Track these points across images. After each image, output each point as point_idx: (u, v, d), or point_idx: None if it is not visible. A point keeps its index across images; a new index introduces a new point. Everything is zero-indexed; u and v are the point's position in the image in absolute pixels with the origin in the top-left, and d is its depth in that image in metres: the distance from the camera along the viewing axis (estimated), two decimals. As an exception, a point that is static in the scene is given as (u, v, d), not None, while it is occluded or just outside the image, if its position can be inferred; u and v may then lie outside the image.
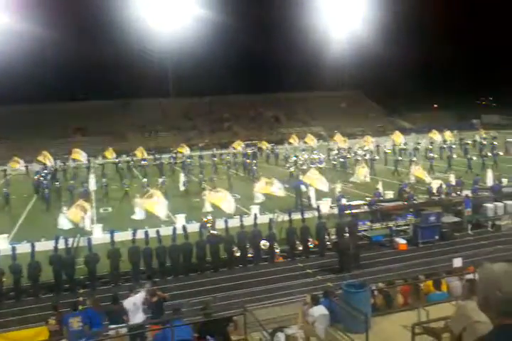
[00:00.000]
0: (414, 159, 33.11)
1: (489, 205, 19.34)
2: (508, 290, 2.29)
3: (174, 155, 41.71)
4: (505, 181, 24.17)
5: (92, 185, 30.48)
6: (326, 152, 39.74)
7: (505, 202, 20.12)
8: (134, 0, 62.93)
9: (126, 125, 63.91)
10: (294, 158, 35.34)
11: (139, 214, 21.57)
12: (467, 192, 21.03)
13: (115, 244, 15.07)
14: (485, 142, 39.22)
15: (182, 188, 28.96)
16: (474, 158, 31.86)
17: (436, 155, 33.72)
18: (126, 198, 25.92)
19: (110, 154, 43.62)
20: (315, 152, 38.41)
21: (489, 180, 25.46)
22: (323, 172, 32.63)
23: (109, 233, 15.74)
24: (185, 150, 43.45)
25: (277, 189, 21.78)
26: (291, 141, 48.82)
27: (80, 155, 41.45)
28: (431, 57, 73.73)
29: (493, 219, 18.84)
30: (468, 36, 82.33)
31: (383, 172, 31.83)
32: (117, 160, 40.33)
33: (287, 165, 34.01)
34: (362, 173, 27.80)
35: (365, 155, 35.28)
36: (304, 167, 33.20)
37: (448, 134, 43.04)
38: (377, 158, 34.96)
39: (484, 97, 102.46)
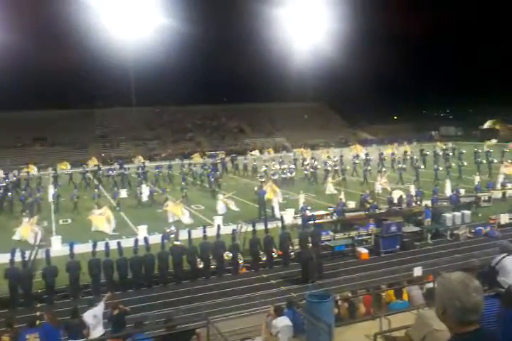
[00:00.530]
0: (384, 169, 33.83)
1: (448, 215, 19.88)
2: (466, 300, 2.35)
3: (137, 165, 41.13)
4: (462, 191, 24.86)
5: (51, 195, 29.73)
6: (294, 162, 39.80)
7: (462, 211, 20.74)
8: (96, 8, 62.23)
9: (87, 135, 62.82)
10: (265, 168, 35.43)
11: (96, 226, 21.39)
12: (427, 202, 21.54)
13: (74, 256, 14.69)
14: (450, 153, 40.34)
15: (145, 199, 28.61)
16: (441, 168, 32.59)
17: (404, 166, 34.33)
18: (86, 210, 25.40)
19: (65, 166, 43.20)
20: (279, 162, 38.62)
21: (447, 190, 26.15)
22: (294, 183, 33.09)
23: (69, 245, 15.37)
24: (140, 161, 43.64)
25: (187, 217, 22.36)
26: (253, 152, 49.17)
27: (66, 166, 41.85)
28: (391, 70, 75.54)
29: (451, 229, 19.31)
30: (428, 50, 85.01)
31: (348, 183, 32.25)
32: (80, 170, 39.53)
33: (258, 175, 34.05)
34: (331, 185, 28.12)
35: (335, 165, 35.60)
36: (275, 177, 33.47)
37: (406, 147, 44.24)
38: (348, 168, 35.40)
39: (442, 109, 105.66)
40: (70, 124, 61.94)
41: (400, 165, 33.56)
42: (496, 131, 64.35)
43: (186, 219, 22.44)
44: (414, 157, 38.87)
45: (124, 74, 71.70)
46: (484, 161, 34.39)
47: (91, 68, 66.34)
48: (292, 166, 36.37)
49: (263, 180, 31.59)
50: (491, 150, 39.14)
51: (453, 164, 33.54)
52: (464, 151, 39.30)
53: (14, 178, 36.83)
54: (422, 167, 33.78)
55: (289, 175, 33.70)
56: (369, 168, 33.90)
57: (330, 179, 29.72)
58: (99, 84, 69.19)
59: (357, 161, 36.97)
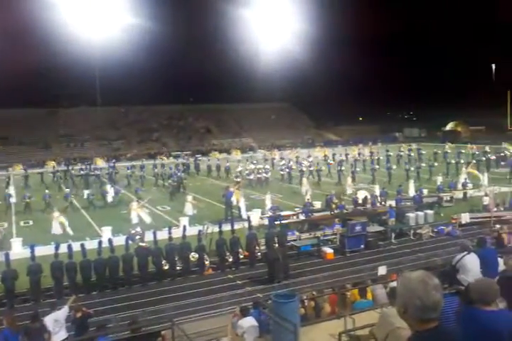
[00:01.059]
0: (358, 169, 34.23)
1: (411, 215, 20.26)
2: (426, 298, 2.39)
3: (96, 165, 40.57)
4: (425, 192, 25.39)
5: (13, 197, 28.94)
6: (267, 163, 39.82)
7: (425, 211, 21.19)
8: (60, 7, 60.93)
9: (50, 134, 61.51)
10: (240, 169, 35.36)
11: (55, 229, 20.84)
12: (391, 203, 21.92)
13: (36, 258, 14.32)
14: (412, 154, 41.13)
15: (110, 200, 28.19)
16: (412, 168, 33.05)
17: (377, 166, 34.73)
18: (48, 211, 24.87)
19: (18, 167, 42.59)
20: (253, 162, 38.65)
21: (411, 190, 26.66)
22: (269, 183, 33.11)
23: (29, 247, 14.97)
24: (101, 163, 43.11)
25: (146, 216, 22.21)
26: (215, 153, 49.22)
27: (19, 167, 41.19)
28: (357, 71, 76.60)
29: (414, 228, 19.68)
30: (394, 52, 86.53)
31: (322, 184, 32.49)
32: (42, 170, 38.78)
33: (234, 175, 33.96)
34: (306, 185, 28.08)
35: (310, 166, 35.71)
36: (251, 177, 33.45)
37: (372, 147, 44.98)
38: (323, 168, 35.54)
39: (406, 111, 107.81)
40: (34, 124, 60.54)
41: (374, 166, 34.01)
42: (457, 132, 66.06)
43: (147, 219, 22.15)
44: (381, 157, 39.49)
45: (90, 73, 70.38)
46: (453, 161, 35.13)
47: (55, 67, 64.99)
48: (267, 166, 36.39)
49: (239, 180, 31.70)
50: (449, 152, 40.23)
51: (423, 164, 34.15)
52: (423, 152, 40.34)
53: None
54: (395, 167, 34.24)
55: (264, 175, 33.73)
56: (343, 168, 34.23)
57: (305, 180, 29.46)
58: (63, 83, 67.77)
59: (331, 162, 37.25)
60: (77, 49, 63.65)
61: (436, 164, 34.80)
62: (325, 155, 40.81)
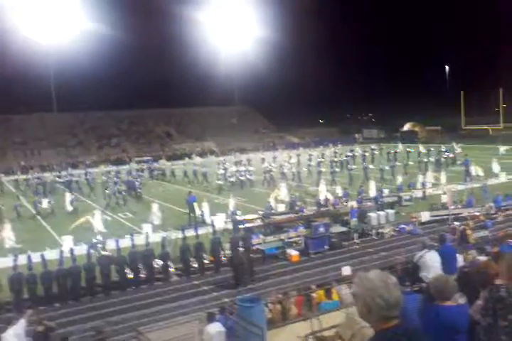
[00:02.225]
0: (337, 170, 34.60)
1: (373, 214, 20.58)
2: (388, 297, 2.42)
3: (58, 173, 39.52)
4: (386, 191, 25.86)
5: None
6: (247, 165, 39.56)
7: (386, 211, 21.58)
8: (14, 11, 59.35)
9: (5, 142, 59.71)
10: (223, 171, 35.13)
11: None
12: (353, 203, 22.23)
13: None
14: (367, 154, 41.82)
15: (69, 208, 27.55)
16: (387, 167, 33.64)
17: (355, 166, 35.05)
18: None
19: None
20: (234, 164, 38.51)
21: (372, 190, 27.08)
22: (254, 185, 33.05)
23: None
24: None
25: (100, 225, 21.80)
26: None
27: None
28: (316, 75, 77.65)
29: (376, 228, 20.01)
30: (351, 55, 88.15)
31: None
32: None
33: (217, 177, 33.75)
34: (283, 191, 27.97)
35: (291, 168, 35.65)
36: (233, 179, 33.34)
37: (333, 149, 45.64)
38: (304, 169, 35.52)
39: (364, 113, 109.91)
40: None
41: (333, 169, 34.36)
42: (415, 132, 67.71)
43: (100, 227, 21.65)
44: (344, 158, 39.99)
45: (45, 79, 68.87)
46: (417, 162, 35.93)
47: (9, 73, 63.24)
48: (251, 168, 35.81)
49: (222, 182, 31.81)
50: (412, 151, 41.14)
51: (386, 167, 34.70)
52: (376, 153, 41.27)
53: None
54: (355, 167, 34.78)
55: (248, 177, 33.61)
56: (323, 169, 34.61)
57: (284, 183, 29.07)
58: (18, 89, 66.05)
59: (312, 164, 37.34)
60: (32, 54, 62.20)
61: (398, 164, 35.39)
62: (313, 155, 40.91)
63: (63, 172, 38.54)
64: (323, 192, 25.29)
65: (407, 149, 41.65)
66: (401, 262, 12.80)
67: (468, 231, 17.27)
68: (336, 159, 38.58)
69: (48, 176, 38.23)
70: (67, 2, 60.35)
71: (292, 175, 34.75)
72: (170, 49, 75.67)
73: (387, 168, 33.59)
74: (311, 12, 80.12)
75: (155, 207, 23.30)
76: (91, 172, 37.33)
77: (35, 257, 14.70)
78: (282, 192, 26.62)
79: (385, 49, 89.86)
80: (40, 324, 10.24)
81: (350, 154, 41.99)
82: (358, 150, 46.85)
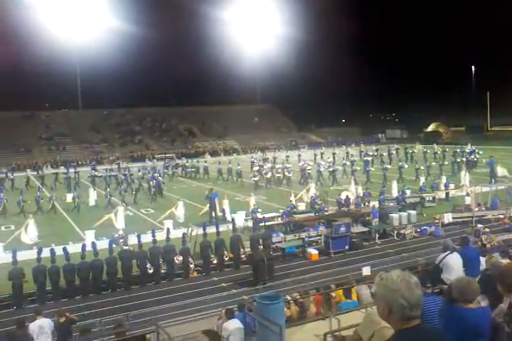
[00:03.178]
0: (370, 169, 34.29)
1: (394, 215, 20.39)
2: (410, 297, 2.41)
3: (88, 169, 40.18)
4: (408, 192, 25.59)
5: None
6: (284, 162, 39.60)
7: (408, 211, 21.36)
8: (42, 9, 60.36)
9: (31, 138, 60.80)
10: (258, 168, 35.28)
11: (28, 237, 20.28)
12: (374, 203, 22.06)
13: (18, 263, 14.14)
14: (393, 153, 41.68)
15: (92, 203, 27.93)
16: (422, 167, 33.41)
17: (388, 166, 34.76)
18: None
19: None
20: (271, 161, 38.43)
21: (394, 191, 26.86)
22: (291, 183, 32.88)
23: (12, 252, 14.79)
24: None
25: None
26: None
27: None
28: (340, 74, 77.19)
29: (398, 229, 19.83)
30: (376, 55, 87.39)
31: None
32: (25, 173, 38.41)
33: (251, 174, 33.91)
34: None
35: (329, 166, 35.36)
36: (268, 176, 33.32)
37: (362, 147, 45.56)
38: (339, 168, 35.16)
39: (388, 113, 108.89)
40: (13, 127, 59.81)
41: (354, 168, 34.13)
42: (439, 133, 66.81)
43: (121, 224, 21.66)
44: (370, 158, 39.74)
45: (71, 76, 69.98)
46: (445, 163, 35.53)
47: (37, 70, 64.41)
48: (289, 165, 35.69)
49: (257, 179, 31.78)
50: (438, 152, 40.71)
51: (406, 165, 34.44)
52: (393, 153, 40.86)
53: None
54: (389, 167, 34.64)
55: (287, 174, 33.48)
56: (358, 168, 34.33)
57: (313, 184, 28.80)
58: (45, 86, 67.21)
59: (347, 163, 37.10)
60: (58, 52, 63.20)
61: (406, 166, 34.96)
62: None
63: (87, 168, 39.10)
64: (353, 191, 25.20)
65: (430, 150, 41.17)
66: (422, 263, 12.66)
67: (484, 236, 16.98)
68: (369, 158, 38.36)
69: (73, 171, 38.78)
70: (93, 0, 61.13)
71: (329, 173, 34.31)
72: (194, 47, 76.18)
73: (422, 167, 33.38)
74: (334, 10, 79.65)
75: (180, 204, 23.32)
76: (114, 169, 37.76)
77: (59, 250, 14.94)
78: (311, 192, 26.51)
79: (410, 48, 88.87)
80: (63, 316, 10.42)
81: (376, 154, 41.78)
82: (381, 150, 46.45)
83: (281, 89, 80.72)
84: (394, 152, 42.89)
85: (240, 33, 73.68)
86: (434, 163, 35.57)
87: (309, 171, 34.15)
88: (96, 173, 36.45)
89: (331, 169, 34.46)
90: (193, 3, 71.16)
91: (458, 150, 40.33)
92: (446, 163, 35.56)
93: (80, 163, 50.99)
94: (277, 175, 33.67)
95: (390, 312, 2.48)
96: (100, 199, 28.36)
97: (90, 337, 9.32)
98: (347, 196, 23.68)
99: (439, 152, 40.78)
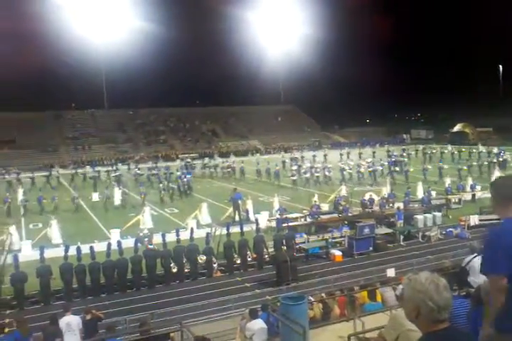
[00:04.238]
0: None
1: (419, 217, 20.15)
2: (438, 299, 2.39)
3: (110, 168, 40.68)
4: (433, 193, 25.26)
5: (20, 199, 29.15)
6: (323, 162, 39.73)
7: (434, 213, 21.07)
8: (68, 11, 61.40)
9: (57, 137, 61.85)
10: (296, 167, 35.38)
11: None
12: (399, 205, 21.83)
13: (45, 260, 14.42)
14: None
15: (117, 202, 28.29)
16: (465, 167, 33.41)
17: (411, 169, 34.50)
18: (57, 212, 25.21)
19: None
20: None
21: (419, 192, 26.54)
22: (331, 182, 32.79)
23: (39, 249, 15.08)
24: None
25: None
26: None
27: None
28: (364, 74, 76.57)
29: (423, 230, 19.59)
30: (400, 54, 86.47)
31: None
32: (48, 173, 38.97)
33: (289, 173, 34.05)
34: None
35: (371, 165, 35.14)
36: (307, 175, 33.46)
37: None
38: (380, 168, 34.95)
39: (413, 113, 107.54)
40: (40, 127, 61.00)
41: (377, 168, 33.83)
42: (465, 134, 65.68)
43: (149, 224, 21.92)
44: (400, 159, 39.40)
45: (97, 76, 71.02)
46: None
47: (63, 70, 65.50)
48: (329, 165, 35.66)
49: (295, 178, 31.88)
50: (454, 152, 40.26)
51: (429, 166, 34.05)
52: (427, 152, 40.31)
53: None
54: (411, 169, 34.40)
55: (326, 173, 33.50)
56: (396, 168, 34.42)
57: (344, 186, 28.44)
58: (71, 86, 68.32)
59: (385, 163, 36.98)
60: (84, 52, 64.22)
61: (446, 166, 34.50)
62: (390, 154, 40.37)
63: (113, 168, 39.57)
64: (385, 193, 25.05)
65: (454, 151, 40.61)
66: (448, 266, 12.49)
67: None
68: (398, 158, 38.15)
69: (98, 171, 39.34)
70: (118, 1, 61.93)
71: (369, 174, 34.06)
72: (218, 48, 76.53)
73: (465, 167, 33.04)
74: (358, 9, 79.08)
75: (204, 206, 23.24)
76: (140, 168, 38.10)
77: (84, 249, 15.17)
78: (342, 193, 26.37)
79: (437, 48, 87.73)
80: (89, 313, 10.59)
81: (405, 154, 41.49)
82: (406, 150, 45.95)
83: (304, 89, 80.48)
84: (428, 152, 42.51)
85: (264, 34, 73.72)
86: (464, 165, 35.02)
87: (350, 171, 34.10)
88: (139, 172, 37.02)
89: (370, 169, 34.18)
90: (218, 3, 71.54)
91: (483, 150, 39.66)
92: (474, 163, 35.02)
93: (105, 162, 51.69)
94: (317, 174, 33.56)
95: (417, 315, 2.46)
96: (131, 199, 28.65)
97: (115, 334, 9.45)
98: (370, 196, 23.51)
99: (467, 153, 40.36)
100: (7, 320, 10.64)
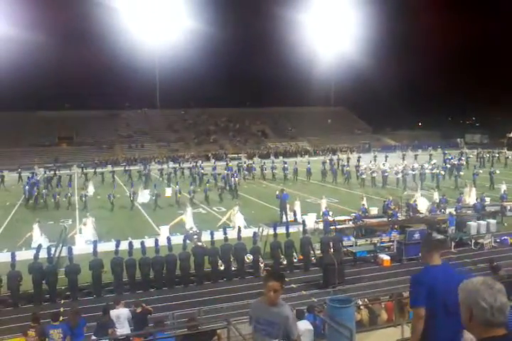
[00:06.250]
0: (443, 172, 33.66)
1: (472, 223, 19.53)
2: (492, 300, 2.32)
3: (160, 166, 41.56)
4: (487, 199, 24.45)
5: (91, 193, 30.64)
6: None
7: (488, 220, 20.37)
8: (122, 11, 63.17)
9: (112, 135, 63.74)
10: (365, 166, 35.42)
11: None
12: (451, 210, 21.26)
13: (98, 254, 14.91)
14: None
15: (169, 199, 28.86)
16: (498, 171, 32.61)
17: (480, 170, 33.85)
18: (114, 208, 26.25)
19: None
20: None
21: (472, 198, 25.73)
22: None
23: (92, 243, 15.62)
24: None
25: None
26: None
27: None
28: (417, 76, 74.95)
29: (475, 238, 19.01)
30: (454, 57, 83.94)
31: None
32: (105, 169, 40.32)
33: (358, 172, 34.26)
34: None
35: (432, 169, 34.54)
36: (375, 174, 33.57)
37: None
38: (442, 172, 34.11)
39: (468, 117, 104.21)
40: (97, 125, 63.12)
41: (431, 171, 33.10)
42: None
43: (190, 224, 21.97)
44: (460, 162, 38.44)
45: (151, 76, 72.66)
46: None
47: (119, 70, 67.39)
48: (401, 167, 35.34)
49: (364, 176, 31.92)
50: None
51: (480, 171, 33.04)
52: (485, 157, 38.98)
53: (45, 175, 38.06)
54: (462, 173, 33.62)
55: (400, 175, 33.09)
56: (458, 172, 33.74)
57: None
58: (126, 86, 70.20)
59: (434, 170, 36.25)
60: (139, 54, 65.78)
61: (498, 171, 33.29)
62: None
63: (164, 166, 40.35)
64: (436, 197, 24.51)
65: None
66: (502, 275, 12.07)
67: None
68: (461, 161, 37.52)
69: (151, 168, 40.23)
70: (172, 3, 63.16)
71: (432, 177, 33.55)
72: (269, 49, 76.54)
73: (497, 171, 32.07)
74: (412, 9, 77.42)
75: (236, 209, 22.83)
76: (190, 167, 38.65)
77: (136, 243, 15.58)
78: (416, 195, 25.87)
79: (492, 49, 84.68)
80: (139, 306, 10.88)
81: (463, 158, 40.53)
82: (459, 155, 44.66)
83: (356, 91, 79.46)
84: (484, 156, 41.44)
85: (316, 35, 73.35)
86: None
87: (413, 172, 33.70)
88: (202, 171, 37.49)
89: (434, 171, 33.59)
90: (270, 4, 71.72)
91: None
92: None
93: (157, 160, 52.87)
94: (385, 174, 33.34)
95: (470, 317, 2.40)
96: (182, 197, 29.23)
97: (164, 328, 9.66)
98: (414, 200, 23.03)
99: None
100: (62, 309, 11.07)
